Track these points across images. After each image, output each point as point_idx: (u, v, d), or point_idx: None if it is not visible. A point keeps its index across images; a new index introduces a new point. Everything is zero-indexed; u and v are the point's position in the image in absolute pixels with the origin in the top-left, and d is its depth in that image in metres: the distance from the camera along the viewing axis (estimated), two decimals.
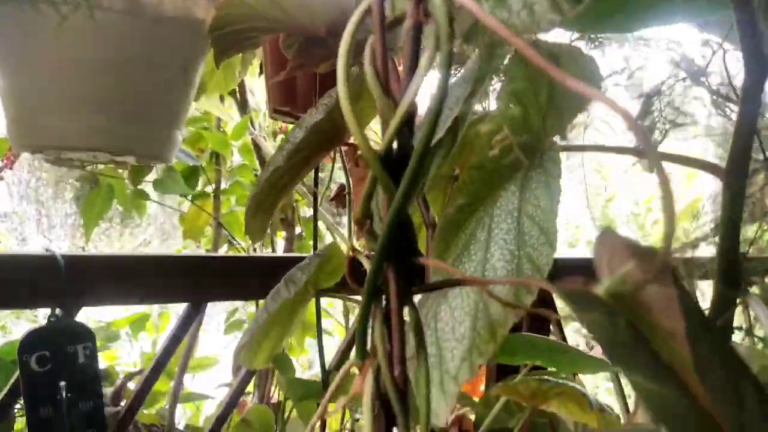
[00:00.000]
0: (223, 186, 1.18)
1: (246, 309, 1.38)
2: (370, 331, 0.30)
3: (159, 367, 0.84)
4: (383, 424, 0.30)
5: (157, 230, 1.53)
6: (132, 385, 0.92)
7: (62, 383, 0.74)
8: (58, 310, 0.76)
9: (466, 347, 0.33)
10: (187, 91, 0.68)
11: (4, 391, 0.74)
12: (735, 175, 0.34)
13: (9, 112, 0.66)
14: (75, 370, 0.74)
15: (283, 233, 1.31)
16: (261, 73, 0.91)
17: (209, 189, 1.25)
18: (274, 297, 0.50)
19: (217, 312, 1.48)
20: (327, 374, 0.56)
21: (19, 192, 1.27)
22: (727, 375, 0.20)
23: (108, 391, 0.89)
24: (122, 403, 0.89)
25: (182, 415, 1.21)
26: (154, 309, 1.47)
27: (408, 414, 0.27)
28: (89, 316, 1.33)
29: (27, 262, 0.73)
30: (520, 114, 0.38)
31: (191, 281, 0.85)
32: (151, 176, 1.14)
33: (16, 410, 0.83)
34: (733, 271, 0.36)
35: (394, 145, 0.27)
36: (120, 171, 1.15)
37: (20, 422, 0.86)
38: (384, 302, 0.27)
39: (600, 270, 0.21)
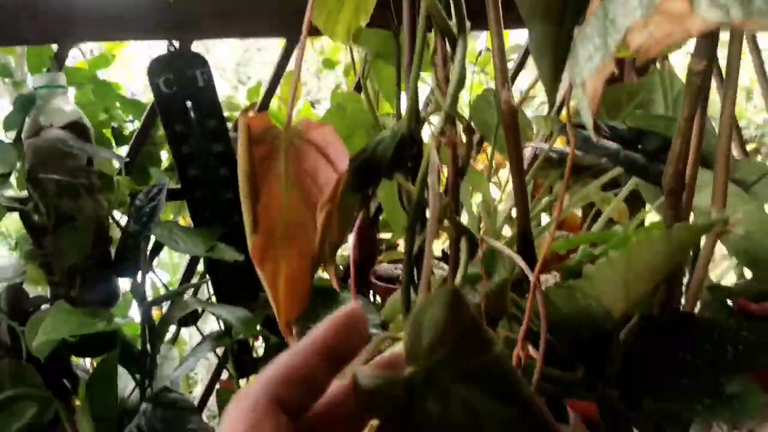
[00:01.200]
0: None
1: None
2: None
3: (270, 92, 0.95)
4: None
5: None
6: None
7: (188, 103, 0.86)
8: (175, 42, 0.86)
9: None
10: None
11: (146, 112, 0.89)
12: None
13: None
14: (197, 92, 0.86)
15: None
16: None
17: None
18: None
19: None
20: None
21: None
22: None
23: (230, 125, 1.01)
24: None
25: None
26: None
27: None
28: None
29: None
30: None
31: (287, 19, 0.91)
32: None
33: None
34: None
35: None
36: None
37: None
38: None
39: None
